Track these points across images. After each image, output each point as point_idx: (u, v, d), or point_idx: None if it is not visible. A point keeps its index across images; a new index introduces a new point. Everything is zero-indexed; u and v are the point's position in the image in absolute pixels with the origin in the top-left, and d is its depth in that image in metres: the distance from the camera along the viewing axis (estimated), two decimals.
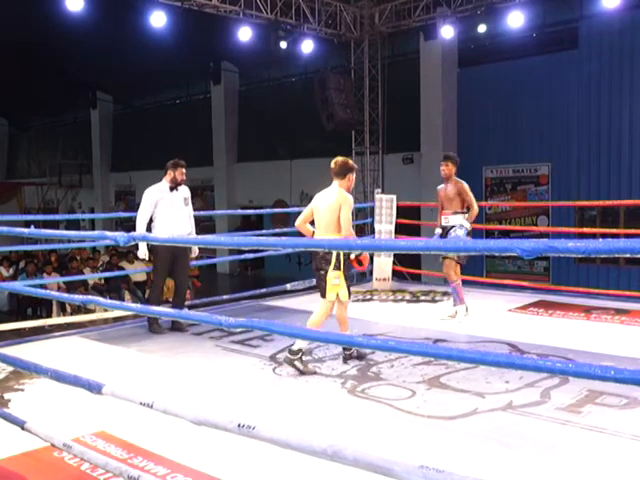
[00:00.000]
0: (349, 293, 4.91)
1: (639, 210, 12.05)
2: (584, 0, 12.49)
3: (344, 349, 4.93)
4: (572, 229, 11.32)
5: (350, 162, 5.02)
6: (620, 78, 12.19)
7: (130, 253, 12.68)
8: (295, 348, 4.66)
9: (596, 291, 7.87)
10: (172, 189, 6.07)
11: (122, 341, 5.71)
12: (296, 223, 5.13)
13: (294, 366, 4.65)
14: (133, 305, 5.45)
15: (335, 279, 4.75)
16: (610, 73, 12.30)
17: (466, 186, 6.24)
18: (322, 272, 4.83)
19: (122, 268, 12.01)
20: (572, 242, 1.75)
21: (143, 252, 5.93)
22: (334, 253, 4.74)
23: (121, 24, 14.07)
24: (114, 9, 13.43)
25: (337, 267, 4.76)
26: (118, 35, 15.26)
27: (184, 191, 6.20)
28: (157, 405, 2.58)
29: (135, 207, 24.26)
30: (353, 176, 5.00)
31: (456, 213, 6.25)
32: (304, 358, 4.73)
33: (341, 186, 4.92)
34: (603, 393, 3.92)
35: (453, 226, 6.23)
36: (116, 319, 6.88)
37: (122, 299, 11.30)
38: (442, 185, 6.44)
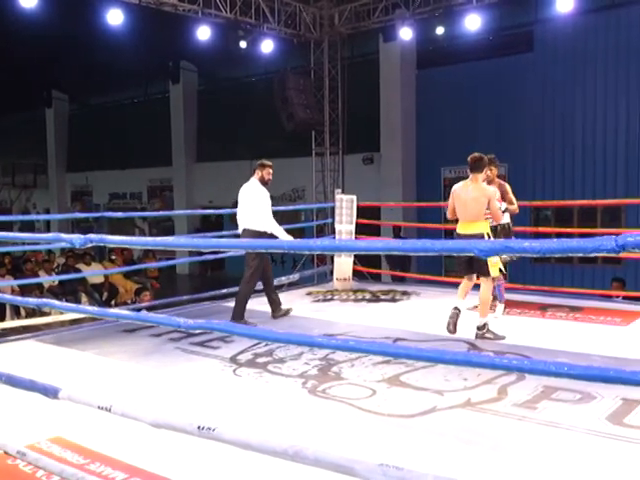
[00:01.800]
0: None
1: (592, 210, 12.38)
2: (539, 4, 12.77)
3: (478, 328, 5.41)
4: (528, 228, 11.55)
5: (484, 157, 5.59)
6: (573, 80, 12.50)
7: (87, 255, 12.44)
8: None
9: (551, 289, 8.04)
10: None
11: (79, 344, 5.61)
12: (448, 215, 5.80)
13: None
14: (90, 308, 5.34)
15: (494, 258, 5.23)
16: (564, 75, 12.61)
17: (508, 187, 6.40)
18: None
19: (79, 270, 11.77)
20: (527, 242, 1.79)
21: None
22: (485, 234, 5.31)
23: (77, 22, 13.80)
24: (70, 6, 13.15)
25: None
26: (74, 33, 14.96)
27: None
28: (115, 409, 2.54)
29: (92, 208, 23.43)
30: (486, 168, 5.61)
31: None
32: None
33: (481, 180, 5.52)
34: (558, 389, 4.01)
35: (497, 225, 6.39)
36: (73, 322, 6.76)
37: (79, 302, 11.08)
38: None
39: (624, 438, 3.32)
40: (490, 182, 6.44)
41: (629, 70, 11.90)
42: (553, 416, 3.64)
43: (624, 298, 7.76)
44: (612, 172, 12.16)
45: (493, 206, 5.42)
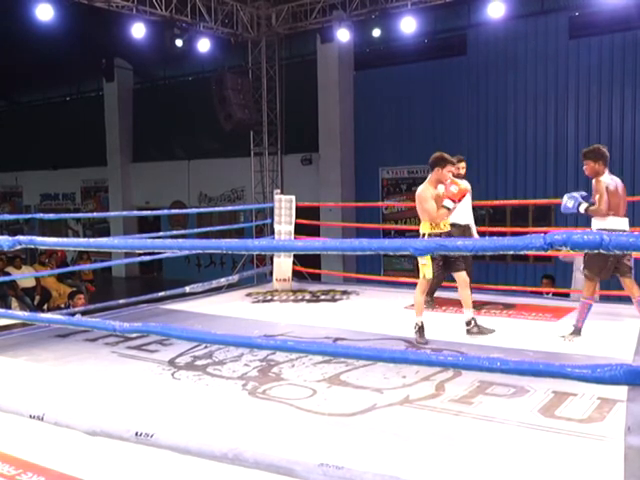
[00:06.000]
0: (433, 273, 5.51)
1: (523, 209, 12.78)
2: (472, 9, 13.11)
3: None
4: None
5: (442, 156, 5.52)
6: (505, 82, 12.90)
7: (17, 258, 12.01)
8: (466, 319, 5.54)
9: (486, 287, 8.25)
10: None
11: (9, 350, 5.41)
12: None
13: (474, 334, 5.47)
14: (20, 313, 5.16)
15: (423, 259, 5.37)
16: (496, 78, 12.99)
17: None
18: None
19: (8, 274, 11.36)
20: (461, 241, 1.83)
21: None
22: (426, 235, 5.44)
23: (4, 16, 13.31)
24: None
25: None
26: (1, 28, 14.42)
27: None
28: (48, 417, 2.47)
29: (22, 209, 22.60)
30: (442, 170, 5.46)
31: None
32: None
33: (430, 178, 5.56)
34: (493, 383, 4.11)
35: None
36: (3, 328, 6.50)
37: (9, 306, 10.69)
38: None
39: (555, 429, 3.44)
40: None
41: (558, 73, 12.35)
42: (488, 410, 3.74)
43: (554, 295, 8.04)
44: (542, 173, 12.59)
45: (424, 207, 5.52)
